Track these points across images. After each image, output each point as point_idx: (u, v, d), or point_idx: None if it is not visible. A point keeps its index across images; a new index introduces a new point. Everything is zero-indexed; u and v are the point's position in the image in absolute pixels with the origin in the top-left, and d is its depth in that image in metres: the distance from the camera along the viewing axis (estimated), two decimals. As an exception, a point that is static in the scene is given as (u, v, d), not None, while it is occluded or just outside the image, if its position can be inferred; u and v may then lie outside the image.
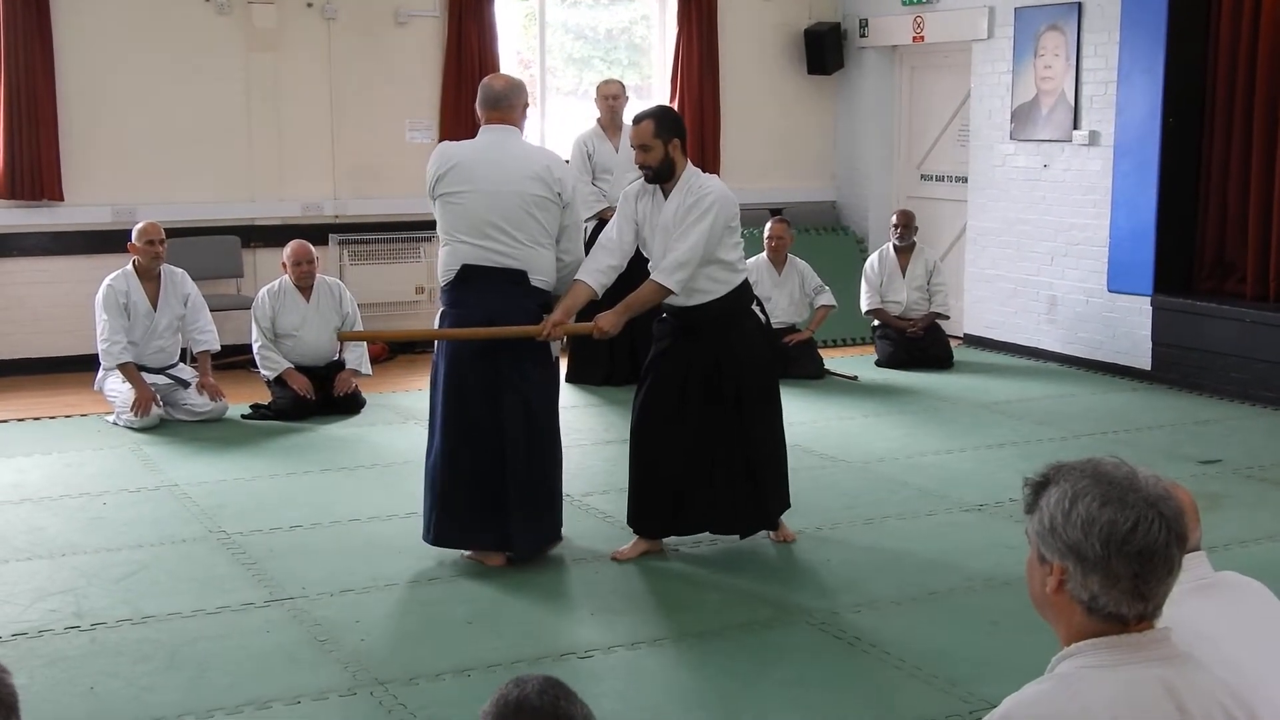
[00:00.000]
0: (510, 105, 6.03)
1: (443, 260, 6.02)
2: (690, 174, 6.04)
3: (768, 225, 10.39)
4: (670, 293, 5.93)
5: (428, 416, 6.22)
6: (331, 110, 10.96)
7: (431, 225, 6.35)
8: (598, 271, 6.02)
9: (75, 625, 5.34)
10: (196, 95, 10.54)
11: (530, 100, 6.28)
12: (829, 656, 5.11)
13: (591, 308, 6.13)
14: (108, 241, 9.98)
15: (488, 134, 6.02)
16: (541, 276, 5.98)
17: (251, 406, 8.94)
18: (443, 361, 6.03)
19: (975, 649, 5.16)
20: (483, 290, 5.90)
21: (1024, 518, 2.32)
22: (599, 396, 9.56)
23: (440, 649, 5.16)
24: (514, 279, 5.91)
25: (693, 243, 5.87)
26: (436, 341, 6.19)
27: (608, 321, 5.99)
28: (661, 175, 6.00)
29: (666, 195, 6.02)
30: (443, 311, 6.07)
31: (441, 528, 6.06)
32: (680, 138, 6.01)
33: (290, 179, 10.87)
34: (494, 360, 5.91)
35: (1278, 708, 2.68)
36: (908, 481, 7.46)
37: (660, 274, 5.91)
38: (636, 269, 6.24)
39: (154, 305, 8.76)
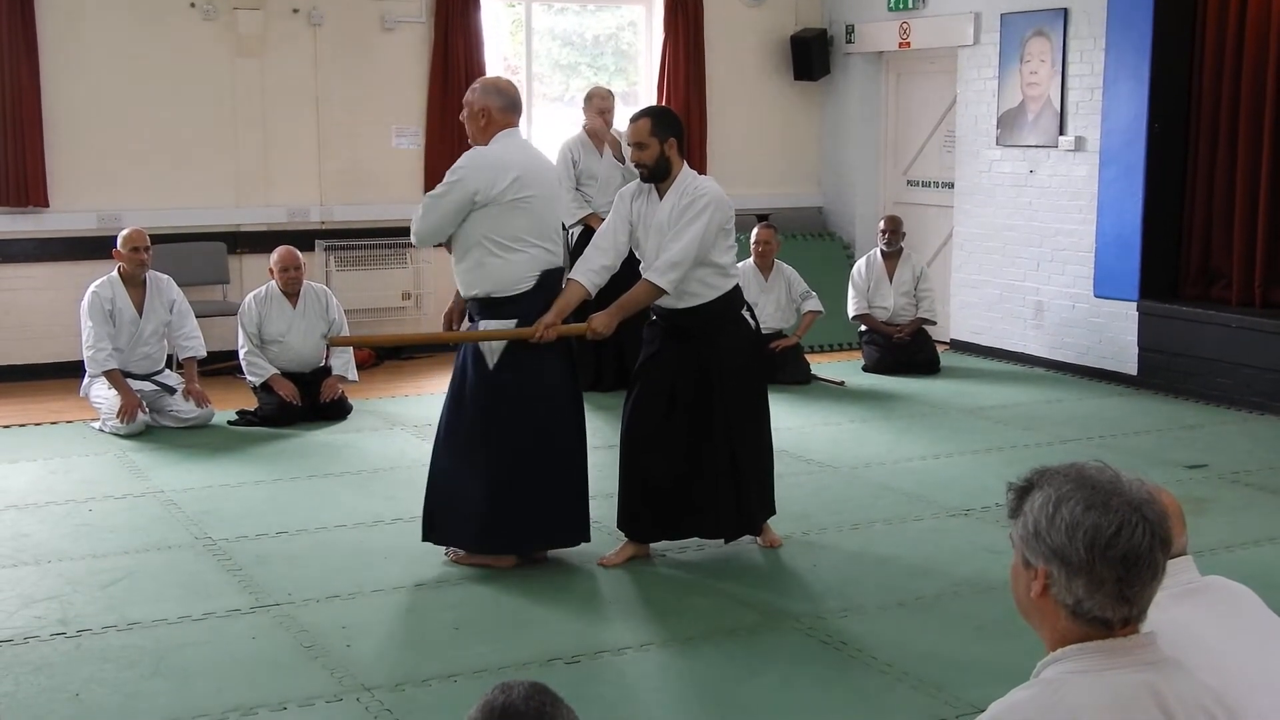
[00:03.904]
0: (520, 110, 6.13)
1: (509, 269, 5.87)
2: (686, 175, 6.04)
3: (754, 230, 10.41)
4: (663, 293, 5.93)
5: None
6: (317, 116, 10.95)
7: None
8: (591, 271, 6.01)
9: (61, 632, 5.33)
10: (182, 101, 10.52)
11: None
12: (815, 661, 5.11)
13: (583, 309, 6.12)
14: (93, 248, 9.95)
15: (515, 138, 6.01)
16: None
17: (238, 413, 8.92)
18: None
19: (961, 653, 5.17)
20: (551, 294, 5.93)
21: (1009, 522, 2.32)
22: (586, 402, 9.49)
23: (427, 655, 5.16)
24: (561, 278, 6.05)
25: (686, 243, 5.87)
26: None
27: (601, 322, 5.98)
28: (657, 174, 6.00)
29: (661, 196, 6.02)
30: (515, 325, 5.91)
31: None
32: (677, 138, 6.01)
33: (276, 185, 10.86)
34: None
35: (1264, 713, 2.68)
36: (894, 486, 7.46)
37: (653, 274, 5.92)
38: (626, 271, 6.25)
39: (139, 312, 8.74)
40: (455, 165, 5.92)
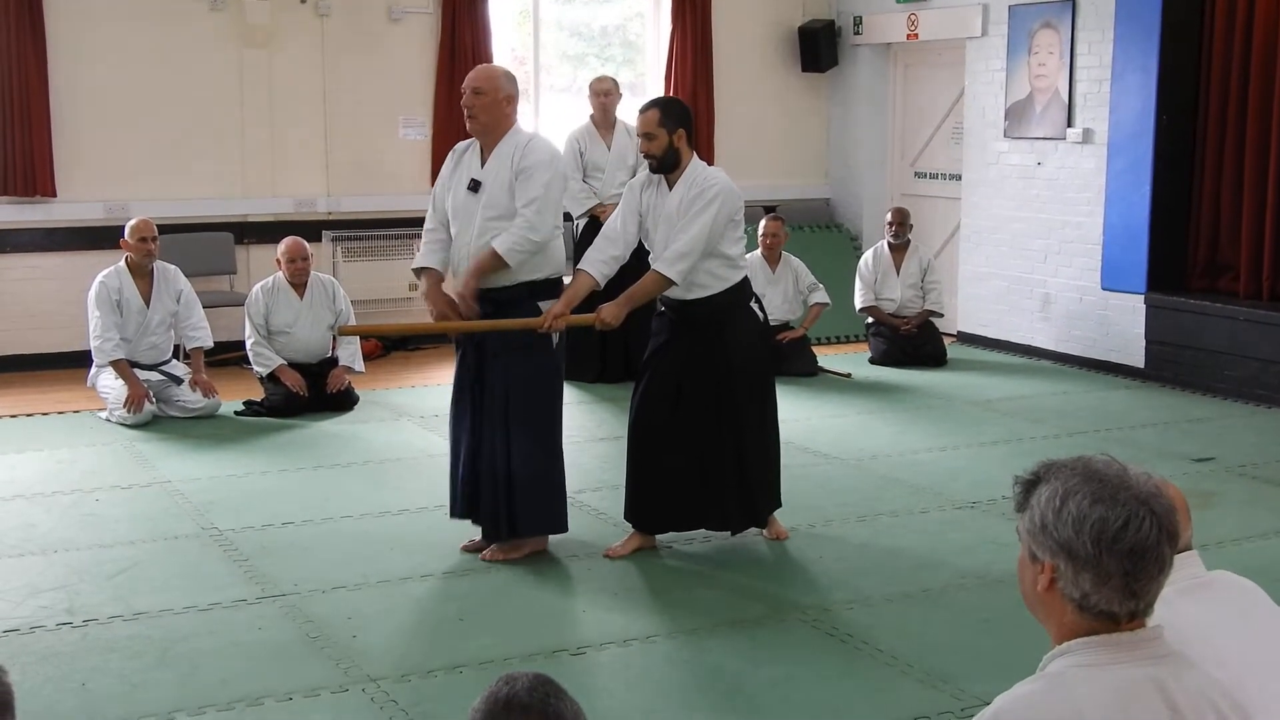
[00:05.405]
0: None
1: (562, 251, 6.11)
2: (696, 166, 6.03)
3: (762, 222, 10.40)
4: (671, 283, 5.92)
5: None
6: (325, 106, 10.95)
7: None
8: (600, 262, 6.01)
9: (67, 621, 5.34)
10: (189, 91, 10.52)
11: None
12: (821, 654, 5.11)
13: (592, 299, 6.12)
14: (100, 238, 9.96)
15: None
16: None
17: (244, 403, 8.93)
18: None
19: (967, 646, 5.16)
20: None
21: (1016, 516, 2.32)
22: (592, 394, 9.55)
23: (432, 645, 5.16)
24: None
25: (695, 234, 5.86)
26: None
27: (610, 313, 5.98)
28: (665, 165, 5.99)
29: (671, 186, 6.01)
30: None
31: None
32: (686, 128, 6.00)
33: (283, 175, 10.86)
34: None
35: (1270, 708, 2.68)
36: (901, 479, 7.46)
37: (662, 264, 5.90)
38: (635, 263, 6.24)
39: (146, 302, 8.75)
40: (542, 158, 5.86)
